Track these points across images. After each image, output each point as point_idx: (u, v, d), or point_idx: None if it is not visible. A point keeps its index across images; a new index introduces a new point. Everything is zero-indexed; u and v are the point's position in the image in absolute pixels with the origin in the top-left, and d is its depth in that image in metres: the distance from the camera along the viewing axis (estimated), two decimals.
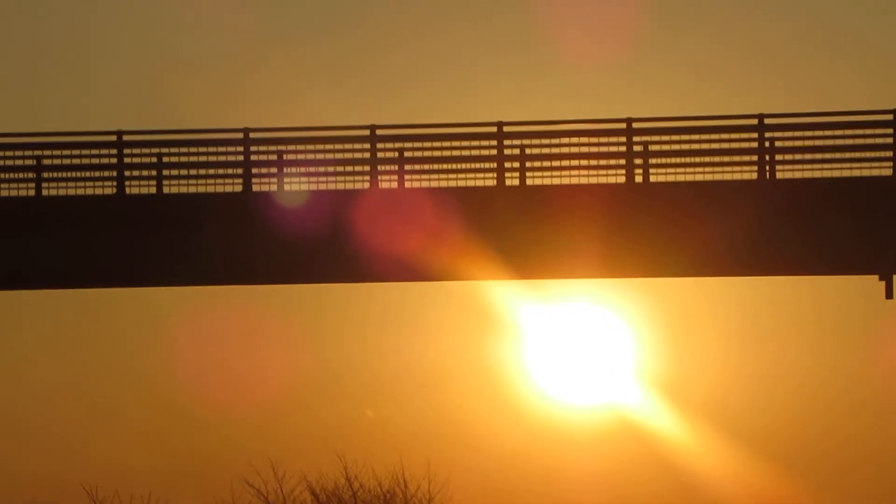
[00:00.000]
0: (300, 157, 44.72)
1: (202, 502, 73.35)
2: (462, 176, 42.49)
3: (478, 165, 42.45)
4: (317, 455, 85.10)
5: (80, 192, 44.47)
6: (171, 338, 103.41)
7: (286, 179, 44.46)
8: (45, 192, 43.78)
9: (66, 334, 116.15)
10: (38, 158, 44.09)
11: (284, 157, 44.70)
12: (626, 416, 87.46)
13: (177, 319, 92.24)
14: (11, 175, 44.07)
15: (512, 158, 41.69)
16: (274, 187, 44.67)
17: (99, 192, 44.16)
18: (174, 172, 43.76)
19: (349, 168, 44.29)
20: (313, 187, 44.12)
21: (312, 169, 44.76)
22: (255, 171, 44.46)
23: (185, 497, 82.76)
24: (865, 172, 41.23)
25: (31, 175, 43.83)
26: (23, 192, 43.84)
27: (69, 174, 43.63)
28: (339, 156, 44.73)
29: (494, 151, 42.19)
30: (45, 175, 43.62)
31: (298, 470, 69.49)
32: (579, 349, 79.08)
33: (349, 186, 43.64)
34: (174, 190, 44.13)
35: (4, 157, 43.64)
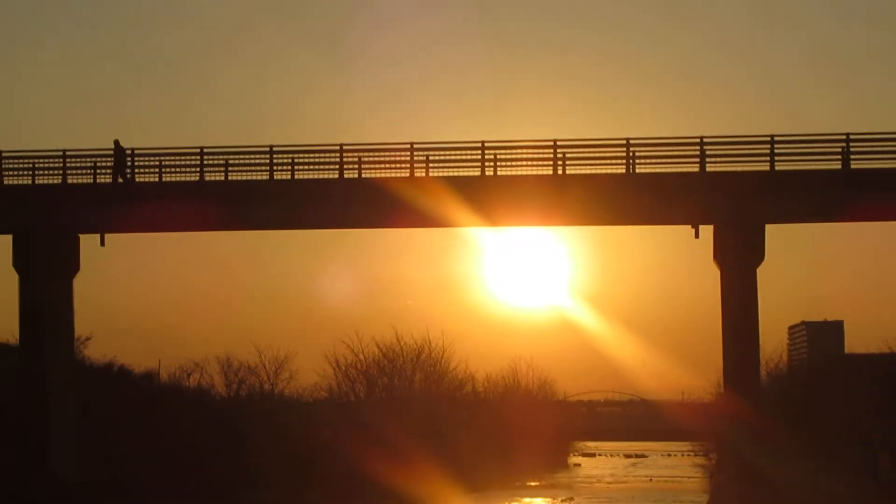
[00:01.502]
0: None
1: (318, 353, 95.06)
2: (458, 170, 55.91)
3: (469, 163, 56.01)
4: (380, 327, 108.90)
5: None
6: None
7: None
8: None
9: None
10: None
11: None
12: (562, 316, 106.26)
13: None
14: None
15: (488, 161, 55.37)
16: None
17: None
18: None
19: None
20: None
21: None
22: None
23: (305, 350, 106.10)
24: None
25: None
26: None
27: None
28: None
29: (479, 155, 55.35)
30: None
31: (370, 335, 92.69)
32: (527, 266, 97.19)
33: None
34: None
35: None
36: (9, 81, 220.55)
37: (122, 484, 57.24)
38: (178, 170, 57.45)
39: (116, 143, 56.53)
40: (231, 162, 56.79)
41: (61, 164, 56.93)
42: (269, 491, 64.59)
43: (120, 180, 56.76)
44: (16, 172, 57.41)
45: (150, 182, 56.86)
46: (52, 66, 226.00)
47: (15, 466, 55.13)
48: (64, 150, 57.10)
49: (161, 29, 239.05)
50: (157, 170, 57.33)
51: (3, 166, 57.01)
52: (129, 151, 57.11)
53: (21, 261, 56.74)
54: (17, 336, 58.94)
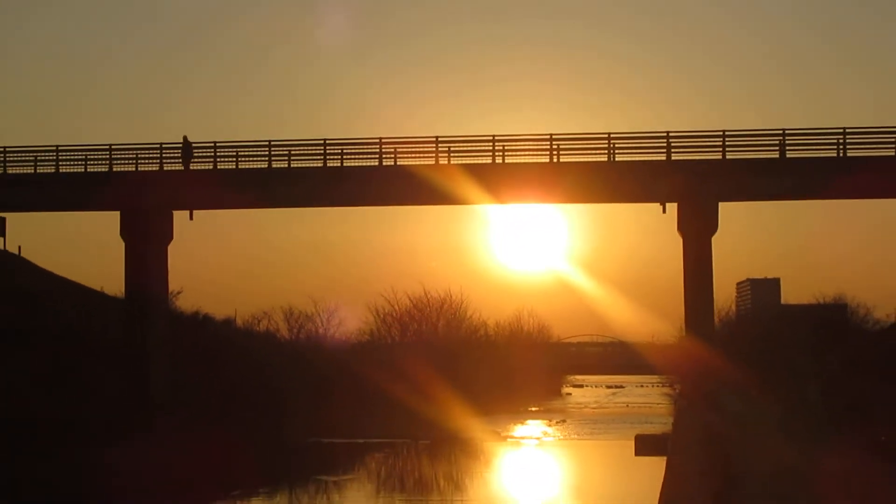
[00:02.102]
0: None
1: (361, 302, 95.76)
2: (474, 158, 55.59)
3: (483, 153, 55.54)
4: (411, 283, 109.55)
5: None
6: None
7: None
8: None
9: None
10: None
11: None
12: (558, 277, 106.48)
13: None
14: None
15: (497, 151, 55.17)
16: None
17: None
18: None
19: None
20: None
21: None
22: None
23: (349, 299, 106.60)
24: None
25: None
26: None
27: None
28: None
29: (490, 146, 55.17)
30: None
31: (403, 289, 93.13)
32: (529, 236, 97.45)
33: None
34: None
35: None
36: (112, 85, 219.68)
37: (206, 407, 57.81)
38: (249, 158, 57.45)
39: (185, 138, 57.05)
40: (293, 153, 56.96)
41: (158, 155, 57.52)
42: (325, 409, 65.28)
43: (189, 168, 57.38)
44: (123, 161, 57.76)
45: (230, 169, 57.08)
46: (129, 69, 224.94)
47: (122, 394, 55.66)
48: (160, 143, 57.73)
49: (200, 29, 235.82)
50: (226, 158, 57.66)
51: (113, 157, 57.52)
52: (198, 143, 57.75)
53: (127, 232, 57.34)
54: (123, 291, 59.40)
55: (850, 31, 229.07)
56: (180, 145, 57.31)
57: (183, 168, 57.29)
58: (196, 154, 57.32)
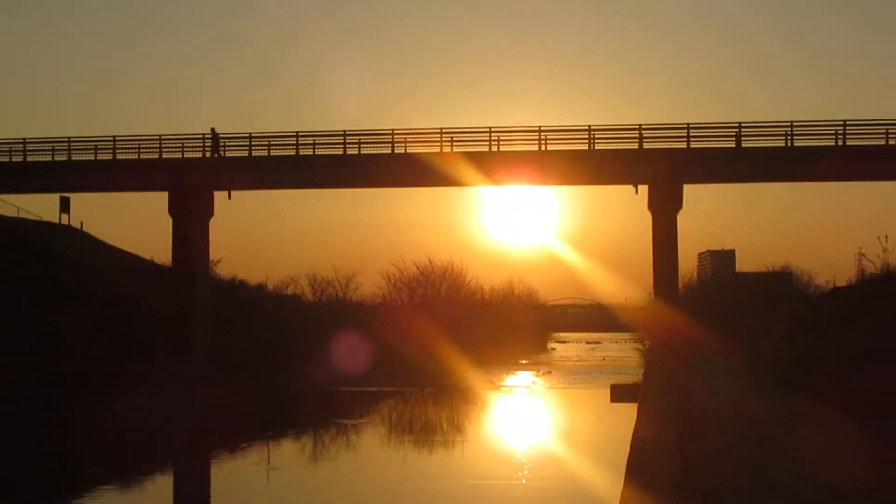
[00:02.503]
0: None
1: (375, 270, 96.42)
2: (472, 147, 55.38)
3: (480, 142, 55.42)
4: (418, 254, 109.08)
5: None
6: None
7: None
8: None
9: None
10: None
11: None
12: (549, 252, 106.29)
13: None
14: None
15: (493, 141, 55.08)
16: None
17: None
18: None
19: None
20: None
21: None
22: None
23: (364, 267, 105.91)
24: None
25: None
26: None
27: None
28: None
29: (487, 137, 55.27)
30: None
31: (412, 260, 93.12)
32: (525, 219, 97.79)
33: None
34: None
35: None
36: (163, 80, 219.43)
37: (241, 358, 58.33)
38: (280, 147, 57.52)
39: (213, 130, 57.24)
40: (317, 142, 57.14)
41: (201, 143, 57.85)
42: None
43: (215, 155, 57.50)
44: (170, 150, 58.12)
45: (262, 156, 57.38)
46: (165, 65, 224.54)
47: (170, 348, 56.23)
48: (203, 135, 57.77)
49: (226, 25, 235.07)
50: (259, 146, 57.60)
51: (162, 145, 57.85)
52: (235, 133, 58.10)
53: (174, 209, 57.79)
54: (171, 261, 59.67)
55: (809, 30, 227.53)
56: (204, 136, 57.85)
57: (212, 154, 57.36)
58: (233, 143, 57.69)
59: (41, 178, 58.22)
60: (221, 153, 57.44)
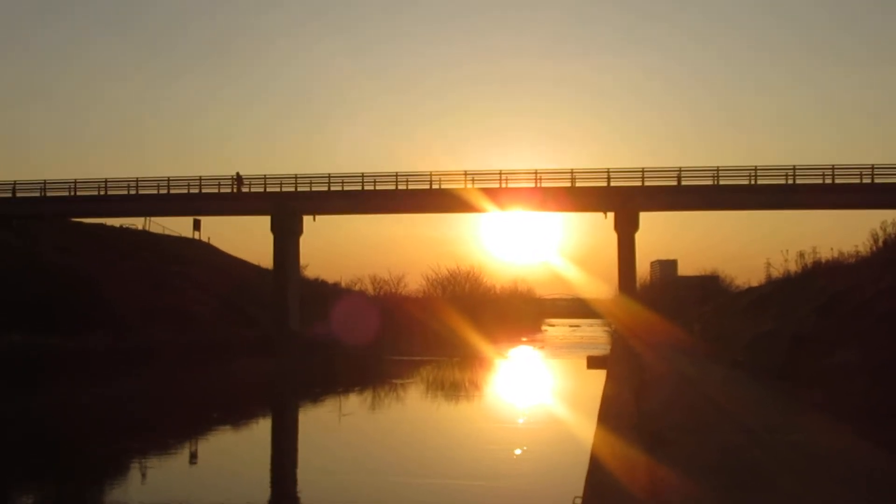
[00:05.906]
0: None
1: (417, 272, 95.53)
2: (487, 184, 55.18)
3: (493, 181, 55.31)
4: (449, 261, 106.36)
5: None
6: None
7: None
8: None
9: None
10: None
11: None
12: (552, 270, 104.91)
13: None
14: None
15: (502, 179, 55.52)
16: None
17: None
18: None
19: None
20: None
21: None
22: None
23: (411, 274, 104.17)
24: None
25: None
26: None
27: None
28: None
29: (498, 176, 55.01)
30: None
31: (444, 265, 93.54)
32: (525, 235, 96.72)
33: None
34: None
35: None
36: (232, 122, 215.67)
37: (325, 337, 58.31)
38: (350, 184, 57.12)
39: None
40: (377, 180, 57.09)
41: (294, 181, 57.77)
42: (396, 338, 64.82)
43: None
44: (272, 184, 58.04)
45: (341, 191, 57.13)
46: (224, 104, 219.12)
47: (272, 328, 56.26)
48: (296, 175, 57.56)
49: (257, 67, 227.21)
50: (335, 183, 56.72)
51: (267, 181, 57.78)
52: (320, 174, 56.82)
53: (275, 227, 58.12)
54: (272, 265, 59.63)
55: (727, 90, 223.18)
56: (303, 175, 57.19)
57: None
58: (317, 180, 57.12)
59: (179, 205, 58.19)
60: (309, 188, 57.19)
